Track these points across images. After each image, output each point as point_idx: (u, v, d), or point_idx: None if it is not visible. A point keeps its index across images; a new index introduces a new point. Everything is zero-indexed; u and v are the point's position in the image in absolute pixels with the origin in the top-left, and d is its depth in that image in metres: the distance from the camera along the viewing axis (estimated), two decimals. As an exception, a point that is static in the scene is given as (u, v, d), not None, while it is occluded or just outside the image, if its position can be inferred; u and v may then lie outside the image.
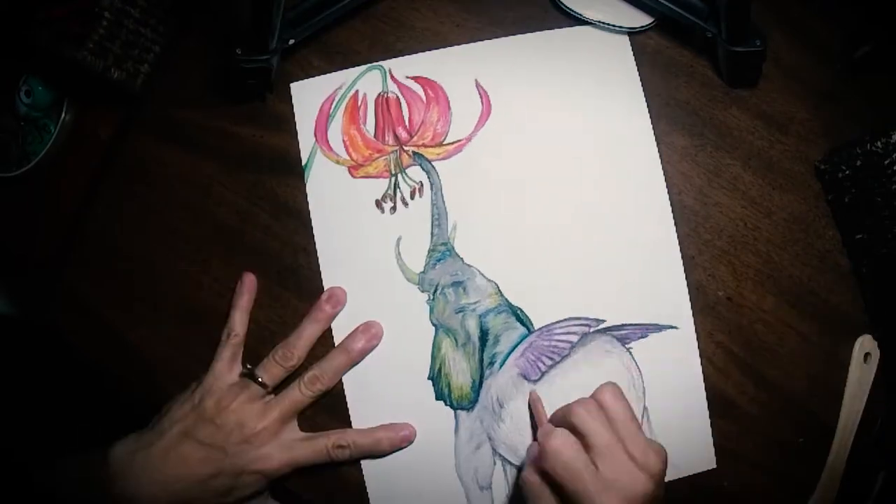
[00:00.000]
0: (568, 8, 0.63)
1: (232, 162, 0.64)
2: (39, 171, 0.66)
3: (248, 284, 0.61)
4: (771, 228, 0.61)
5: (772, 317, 0.60)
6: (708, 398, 0.59)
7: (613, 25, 0.62)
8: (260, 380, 0.58)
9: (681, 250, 0.61)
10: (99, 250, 0.64)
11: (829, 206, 0.61)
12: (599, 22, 0.62)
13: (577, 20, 0.63)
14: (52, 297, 0.64)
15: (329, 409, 0.60)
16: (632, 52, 0.62)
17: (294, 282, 0.62)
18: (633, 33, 0.63)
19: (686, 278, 0.60)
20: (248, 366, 0.59)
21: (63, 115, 0.65)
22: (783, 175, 0.62)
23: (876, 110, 0.61)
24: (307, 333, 0.59)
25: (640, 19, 0.62)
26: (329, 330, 0.60)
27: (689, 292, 0.60)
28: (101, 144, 0.66)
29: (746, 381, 0.60)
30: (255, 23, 0.56)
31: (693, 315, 0.60)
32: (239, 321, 0.60)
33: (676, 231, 0.61)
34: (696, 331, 0.60)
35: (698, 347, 0.59)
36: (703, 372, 0.59)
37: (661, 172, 0.61)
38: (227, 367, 0.59)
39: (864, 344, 0.59)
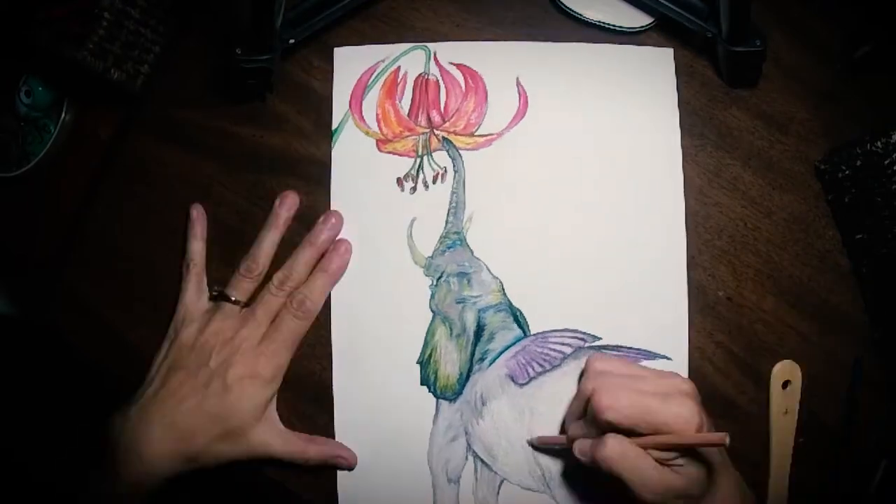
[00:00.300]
0: (568, 8, 0.63)
1: (232, 162, 0.64)
2: (39, 171, 0.66)
3: (198, 215, 0.62)
4: (771, 228, 0.61)
5: (772, 317, 0.60)
6: (708, 398, 0.59)
7: (613, 25, 0.62)
8: (233, 298, 0.59)
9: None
10: (99, 250, 0.64)
11: (829, 206, 0.61)
12: (600, 22, 0.62)
13: (578, 20, 0.63)
14: (52, 297, 0.64)
15: (309, 390, 0.60)
16: (675, 76, 0.62)
17: (294, 282, 0.62)
18: (633, 33, 0.63)
19: (686, 282, 0.60)
20: (217, 288, 0.60)
21: (63, 115, 0.65)
22: (783, 175, 0.62)
23: (876, 110, 0.61)
24: (267, 241, 0.60)
25: (640, 19, 0.62)
26: (329, 335, 0.61)
27: (689, 292, 0.60)
28: (101, 144, 0.66)
29: (746, 381, 0.60)
30: (255, 23, 0.56)
31: (692, 316, 0.60)
32: (197, 250, 0.61)
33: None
34: (691, 341, 0.60)
35: (689, 369, 0.59)
36: (704, 372, 0.60)
37: (684, 208, 0.61)
38: (195, 296, 0.60)
39: (783, 371, 0.58)
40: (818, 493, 0.59)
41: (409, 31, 0.64)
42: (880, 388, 0.59)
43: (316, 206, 0.62)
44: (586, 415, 0.51)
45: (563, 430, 0.57)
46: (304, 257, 0.60)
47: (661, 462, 0.47)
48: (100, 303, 0.63)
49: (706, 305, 0.60)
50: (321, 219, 0.61)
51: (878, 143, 0.57)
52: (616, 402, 0.48)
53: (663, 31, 0.63)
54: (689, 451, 0.47)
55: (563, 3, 0.63)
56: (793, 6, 0.63)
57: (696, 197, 0.61)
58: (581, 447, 0.51)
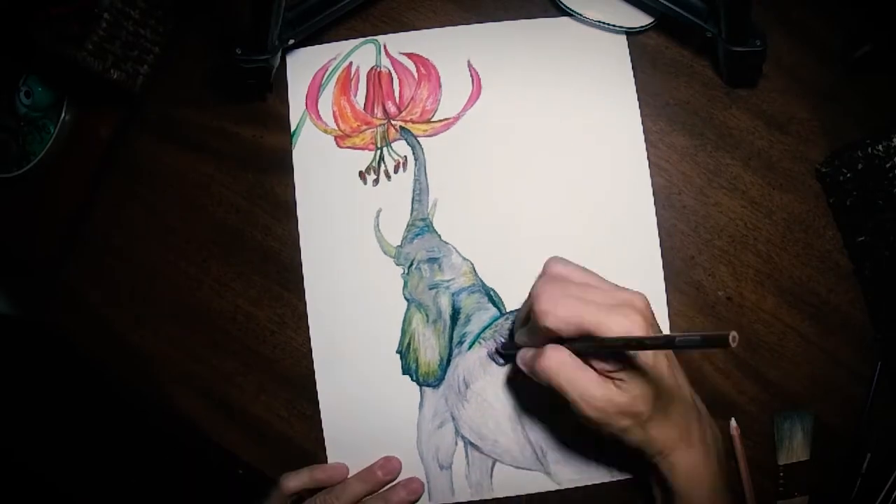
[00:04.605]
0: (568, 7, 0.63)
1: (232, 162, 0.64)
2: (39, 171, 0.65)
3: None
4: (771, 228, 0.61)
5: (772, 317, 0.60)
6: (708, 398, 0.59)
7: (613, 25, 0.62)
8: None
9: (681, 250, 0.61)
10: (99, 250, 0.64)
11: (831, 209, 0.61)
12: (600, 22, 0.62)
13: (578, 20, 0.63)
14: (52, 297, 0.64)
15: (309, 390, 0.60)
16: (627, 45, 0.63)
17: (294, 282, 0.62)
18: (633, 33, 0.63)
19: (684, 279, 0.60)
20: (295, 498, 0.58)
21: (63, 115, 0.65)
22: (783, 175, 0.62)
23: (876, 110, 0.61)
24: (354, 489, 0.58)
25: (640, 19, 0.62)
26: (305, 320, 0.61)
27: (689, 292, 0.60)
28: (101, 144, 0.66)
29: (746, 381, 0.60)
30: (255, 23, 0.56)
31: (693, 315, 0.60)
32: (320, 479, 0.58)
33: (676, 231, 0.61)
34: (686, 330, 0.60)
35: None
36: (704, 372, 0.60)
37: (648, 169, 0.61)
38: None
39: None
40: (823, 492, 0.59)
41: (409, 30, 0.64)
42: (886, 390, 0.59)
43: (316, 206, 0.62)
44: (529, 322, 0.49)
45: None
46: (355, 490, 0.58)
47: (604, 375, 0.45)
48: (100, 303, 0.63)
49: (706, 305, 0.60)
50: (379, 463, 0.59)
51: (880, 147, 0.57)
52: (554, 308, 0.45)
53: (663, 31, 0.63)
54: (632, 366, 0.45)
55: (562, 3, 0.63)
56: (793, 6, 0.63)
57: (696, 197, 0.61)
58: (523, 356, 0.49)
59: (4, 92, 0.67)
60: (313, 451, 0.60)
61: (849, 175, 0.58)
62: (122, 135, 0.66)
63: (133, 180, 0.65)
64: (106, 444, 0.78)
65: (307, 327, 0.61)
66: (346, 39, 0.64)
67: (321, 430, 0.60)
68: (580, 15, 0.62)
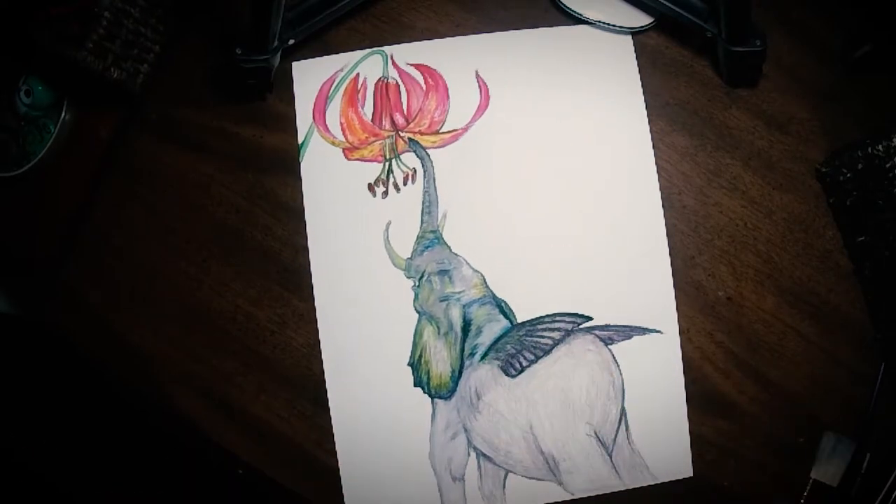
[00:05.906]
0: (568, 8, 0.63)
1: (232, 162, 0.64)
2: (39, 171, 0.65)
3: None
4: (771, 228, 0.61)
5: (772, 317, 0.60)
6: (709, 398, 0.59)
7: (613, 25, 0.62)
8: None
9: (681, 250, 0.61)
10: (99, 250, 0.64)
11: (831, 209, 0.61)
12: (600, 22, 0.62)
13: (578, 20, 0.63)
14: (52, 297, 0.64)
15: (309, 390, 0.61)
16: (634, 53, 0.63)
17: (294, 282, 0.62)
18: (633, 33, 0.63)
19: (684, 279, 0.60)
20: None
21: (63, 115, 0.65)
22: (783, 175, 0.62)
23: (876, 110, 0.61)
24: None
25: (640, 19, 0.62)
26: (314, 319, 0.61)
27: (689, 292, 0.60)
28: (101, 144, 0.66)
29: (746, 381, 0.60)
30: (255, 23, 0.56)
31: (693, 315, 0.60)
32: None
33: (676, 231, 0.61)
34: (686, 329, 0.60)
35: (681, 352, 0.59)
36: (704, 372, 0.60)
37: (656, 177, 0.61)
38: None
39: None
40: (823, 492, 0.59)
41: (409, 30, 0.64)
42: (887, 391, 0.59)
43: (316, 206, 0.62)
44: None
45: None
46: None
47: None
48: (100, 303, 0.63)
49: (706, 305, 0.60)
50: None
51: (880, 147, 0.57)
52: None
53: (663, 31, 0.63)
54: None
55: (562, 3, 0.63)
56: (793, 6, 0.63)
57: (696, 197, 0.61)
58: None
59: (4, 92, 0.67)
60: (313, 451, 0.60)
61: (849, 175, 0.58)
62: (122, 135, 0.66)
63: (133, 180, 0.65)
64: (106, 444, 0.78)
65: (307, 328, 0.61)
66: (347, 42, 0.64)
67: (321, 431, 0.60)
68: (580, 15, 0.62)
